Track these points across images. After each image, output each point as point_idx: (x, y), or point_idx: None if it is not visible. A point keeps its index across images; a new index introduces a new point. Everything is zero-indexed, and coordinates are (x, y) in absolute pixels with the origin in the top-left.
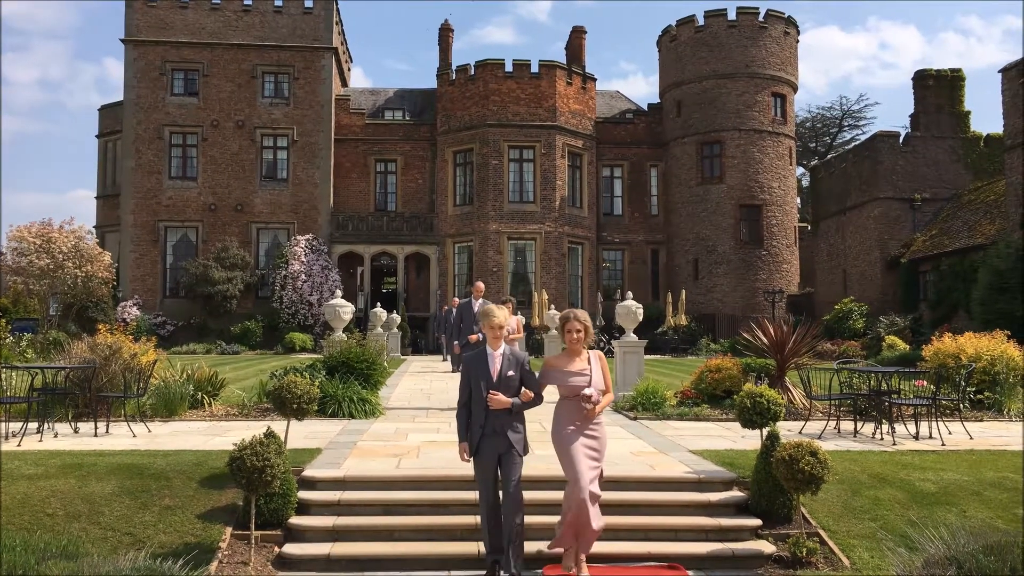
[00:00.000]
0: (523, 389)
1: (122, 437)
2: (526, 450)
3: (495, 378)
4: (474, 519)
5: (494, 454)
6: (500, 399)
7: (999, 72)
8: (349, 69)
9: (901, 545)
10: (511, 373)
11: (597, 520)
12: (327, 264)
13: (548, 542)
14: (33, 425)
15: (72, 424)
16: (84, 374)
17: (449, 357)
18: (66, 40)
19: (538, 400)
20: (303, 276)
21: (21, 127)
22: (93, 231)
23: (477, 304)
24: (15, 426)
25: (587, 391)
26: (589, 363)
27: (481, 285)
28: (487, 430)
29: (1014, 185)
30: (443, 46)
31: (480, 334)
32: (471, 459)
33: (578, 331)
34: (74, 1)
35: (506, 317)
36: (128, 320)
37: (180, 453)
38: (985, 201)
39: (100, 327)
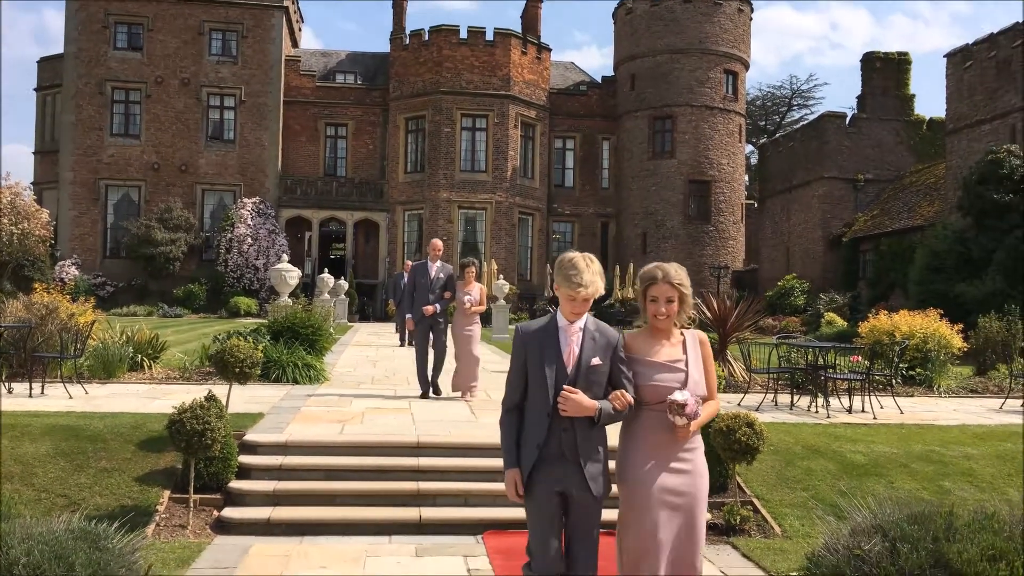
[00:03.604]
0: (616, 390)
1: (58, 398)
2: (607, 489)
3: (571, 367)
4: (415, 484)
5: (555, 492)
6: (579, 401)
7: (944, 57)
8: (300, 29)
9: (830, 514)
10: (596, 361)
11: None
12: (274, 228)
13: (493, 509)
14: None
15: (6, 384)
16: (19, 333)
17: (399, 330)
18: None
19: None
20: (249, 239)
21: None
22: (30, 187)
23: (435, 267)
24: None
25: (678, 396)
26: (684, 350)
27: (439, 243)
28: (548, 451)
29: (954, 168)
30: (397, 9)
31: (437, 304)
32: (523, 497)
33: (669, 299)
34: None
35: (597, 272)
36: (66, 280)
37: (118, 415)
38: (925, 183)
39: (37, 286)
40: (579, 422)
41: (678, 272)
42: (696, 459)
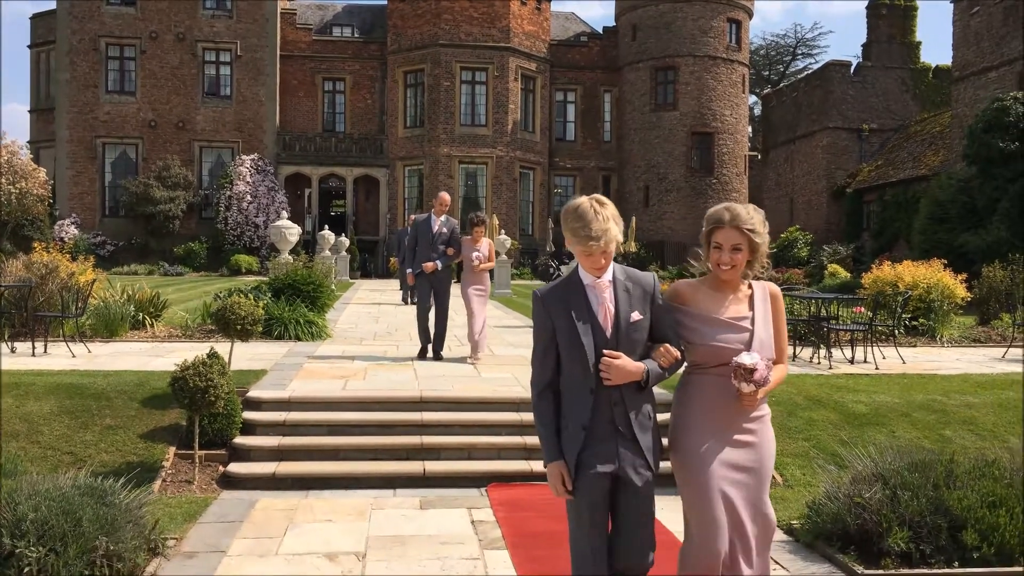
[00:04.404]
0: (661, 346)
1: (61, 357)
2: (658, 462)
3: (610, 329)
4: (419, 439)
5: (606, 475)
6: (623, 367)
7: (951, 3)
8: None
9: (832, 463)
10: (636, 316)
11: None
12: (273, 185)
13: (496, 462)
14: None
15: (9, 344)
16: (20, 293)
17: (402, 288)
18: None
19: (682, 361)
20: (248, 197)
21: None
22: (27, 146)
23: (438, 221)
24: None
25: (746, 359)
26: (751, 306)
27: (446, 197)
28: (596, 431)
29: (960, 117)
30: None
31: (438, 261)
32: (570, 491)
33: (735, 247)
34: None
35: (610, 218)
36: (66, 239)
37: (121, 373)
38: (931, 132)
39: (36, 245)
40: (627, 390)
41: (751, 215)
42: (763, 429)
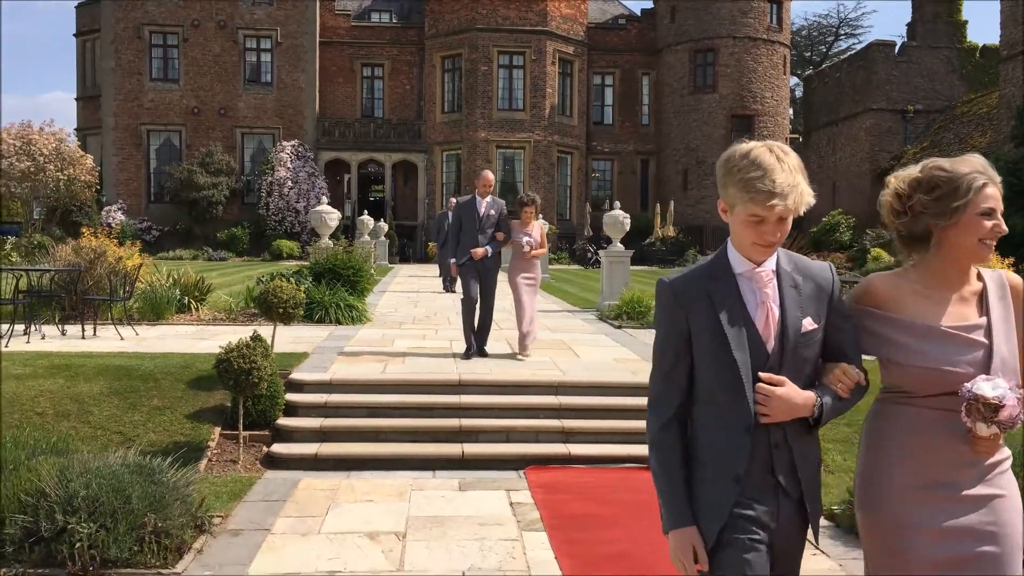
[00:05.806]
0: (837, 367)
1: (109, 340)
2: (817, 533)
3: (772, 339)
4: (457, 421)
5: (763, 551)
6: (789, 398)
7: None
8: None
9: None
10: (809, 324)
11: None
12: (313, 171)
13: (534, 445)
14: (20, 327)
15: (59, 326)
16: (69, 277)
17: (442, 276)
18: None
19: (864, 388)
20: (289, 183)
21: None
22: (74, 133)
23: (484, 203)
24: (2, 327)
25: (988, 390)
26: (983, 309)
27: (490, 176)
28: (751, 485)
29: (1008, 97)
30: None
31: (489, 246)
32: (703, 565)
33: (991, 224)
34: None
35: (797, 169)
36: (113, 224)
37: (168, 356)
38: (978, 113)
39: (84, 231)
40: (792, 429)
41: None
42: (1004, 481)
